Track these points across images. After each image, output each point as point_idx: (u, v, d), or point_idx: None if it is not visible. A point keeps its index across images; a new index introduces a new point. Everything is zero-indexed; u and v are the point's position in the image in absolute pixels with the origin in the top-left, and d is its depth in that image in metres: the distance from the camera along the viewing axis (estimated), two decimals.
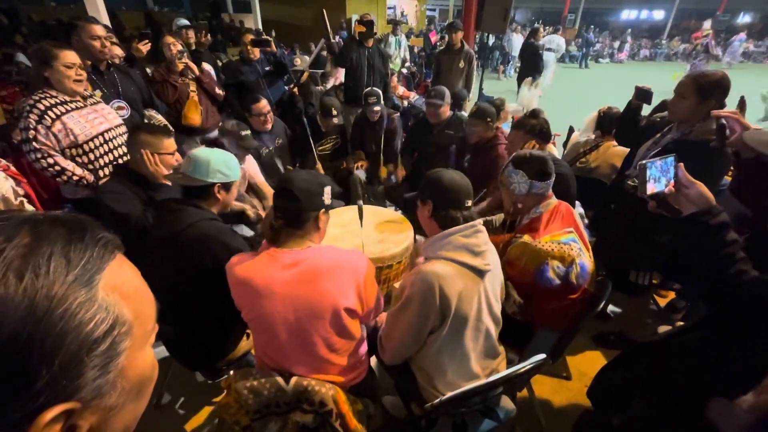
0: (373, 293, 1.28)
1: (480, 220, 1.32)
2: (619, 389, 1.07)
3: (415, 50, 9.63)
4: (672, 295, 2.60)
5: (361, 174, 3.16)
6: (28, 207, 1.82)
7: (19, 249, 0.30)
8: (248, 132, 2.38)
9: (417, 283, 1.20)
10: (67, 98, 1.96)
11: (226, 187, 1.53)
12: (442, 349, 1.28)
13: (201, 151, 1.49)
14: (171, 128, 2.76)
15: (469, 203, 1.30)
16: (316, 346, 1.20)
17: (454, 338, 1.27)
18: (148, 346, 0.40)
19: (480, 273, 1.24)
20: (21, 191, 1.80)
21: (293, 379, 1.17)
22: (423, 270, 1.21)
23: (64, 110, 1.91)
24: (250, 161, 2.55)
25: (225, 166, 1.50)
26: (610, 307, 2.49)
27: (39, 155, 1.85)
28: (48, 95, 1.90)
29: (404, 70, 7.77)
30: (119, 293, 0.35)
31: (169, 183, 1.76)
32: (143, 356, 0.39)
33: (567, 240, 1.53)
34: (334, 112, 2.99)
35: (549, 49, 8.80)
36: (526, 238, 1.56)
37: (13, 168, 1.86)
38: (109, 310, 0.34)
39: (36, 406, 0.29)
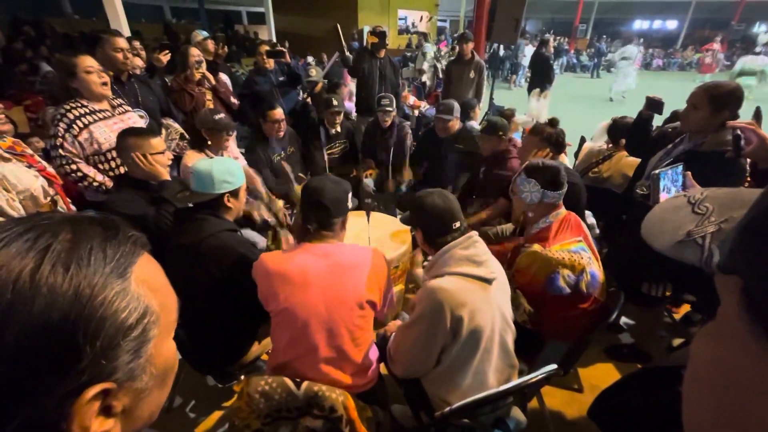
0: (384, 286, 1.35)
1: (475, 232, 1.34)
2: (632, 417, 1.00)
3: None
4: (687, 307, 2.55)
5: (369, 183, 3.18)
6: (60, 206, 1.93)
7: (65, 244, 0.34)
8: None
9: (425, 300, 1.22)
10: (96, 107, 2.06)
11: (234, 193, 1.55)
12: (455, 363, 1.27)
13: (201, 165, 1.48)
14: (187, 136, 2.86)
15: (457, 225, 1.30)
16: (342, 337, 1.26)
17: (469, 352, 1.26)
18: (170, 337, 0.43)
19: (487, 281, 1.25)
20: (52, 191, 1.90)
21: (304, 384, 1.19)
22: (430, 286, 1.22)
23: (92, 120, 2.02)
24: (233, 146, 2.63)
25: (228, 174, 1.50)
26: (623, 319, 2.45)
27: (63, 161, 1.96)
28: (79, 105, 2.01)
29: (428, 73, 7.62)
30: (148, 286, 0.38)
31: (168, 178, 1.81)
32: (168, 345, 0.42)
33: (577, 249, 1.52)
34: (335, 103, 3.01)
35: (624, 58, 9.36)
36: (536, 246, 1.56)
37: (49, 169, 1.95)
38: (140, 300, 0.37)
39: (81, 382, 0.33)
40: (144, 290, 0.38)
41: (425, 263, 1.50)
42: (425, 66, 7.75)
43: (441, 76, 6.93)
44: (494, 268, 1.29)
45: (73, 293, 0.32)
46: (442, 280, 1.22)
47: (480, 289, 1.23)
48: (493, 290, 1.26)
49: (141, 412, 0.39)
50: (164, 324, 0.40)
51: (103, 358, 0.34)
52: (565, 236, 1.56)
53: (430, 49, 7.35)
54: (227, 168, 1.51)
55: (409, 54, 7.98)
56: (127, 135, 1.78)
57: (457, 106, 2.89)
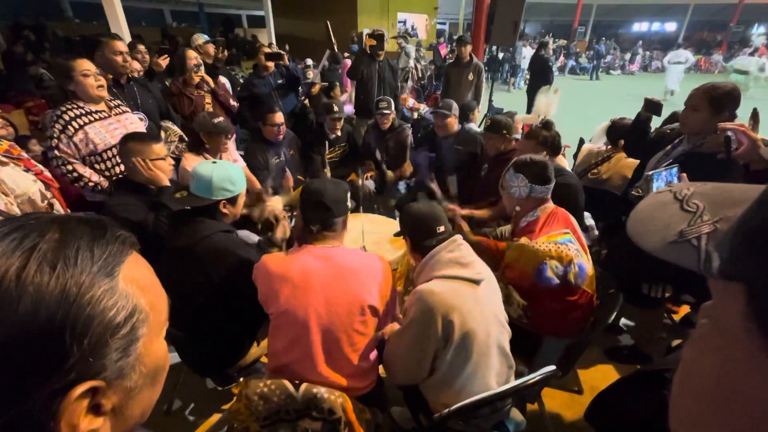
0: (388, 292, 1.35)
1: (459, 235, 1.36)
2: (628, 419, 0.99)
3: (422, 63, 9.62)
4: (687, 308, 2.55)
5: (369, 184, 3.19)
6: (57, 209, 1.94)
7: (51, 243, 0.34)
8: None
9: (415, 305, 1.23)
10: (93, 108, 2.07)
11: (232, 201, 1.54)
12: (451, 369, 1.27)
13: (203, 169, 1.46)
14: (186, 138, 2.86)
15: (441, 228, 1.35)
16: (340, 341, 1.25)
17: (463, 357, 1.26)
18: (161, 337, 0.43)
19: (475, 282, 1.26)
20: (49, 195, 1.92)
21: (303, 386, 1.19)
22: (419, 290, 1.24)
23: (87, 120, 2.03)
24: (232, 148, 2.63)
25: (228, 182, 1.48)
26: (623, 320, 2.45)
27: (59, 162, 1.99)
28: (75, 106, 2.02)
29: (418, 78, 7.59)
30: (137, 285, 0.39)
31: (168, 183, 1.80)
32: (158, 344, 0.42)
33: (563, 240, 1.54)
34: (336, 109, 3.03)
35: (678, 62, 9.76)
36: (523, 239, 1.58)
37: (46, 173, 1.97)
38: (129, 299, 0.37)
39: (68, 381, 0.33)
40: (132, 289, 0.38)
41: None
42: (411, 63, 7.67)
43: (419, 75, 6.98)
44: (481, 269, 1.31)
45: (60, 292, 0.32)
46: (431, 283, 1.24)
47: (469, 291, 1.24)
48: (481, 291, 1.27)
49: (132, 410, 0.39)
50: (154, 323, 0.40)
51: (90, 356, 0.34)
52: (552, 228, 1.59)
53: (411, 49, 7.35)
54: (228, 175, 1.49)
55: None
56: (128, 139, 1.78)
57: (455, 105, 2.89)
